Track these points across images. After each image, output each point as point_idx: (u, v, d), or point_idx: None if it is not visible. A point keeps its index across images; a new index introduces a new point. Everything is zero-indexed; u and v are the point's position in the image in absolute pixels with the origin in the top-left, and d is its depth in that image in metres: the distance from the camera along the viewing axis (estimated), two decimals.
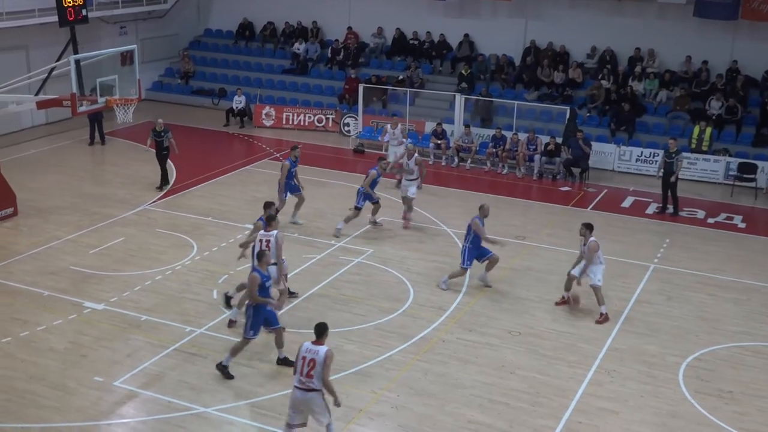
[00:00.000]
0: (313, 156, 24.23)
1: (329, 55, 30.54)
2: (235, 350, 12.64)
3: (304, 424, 10.54)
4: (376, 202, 18.61)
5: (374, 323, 14.40)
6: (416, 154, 19.38)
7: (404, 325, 14.37)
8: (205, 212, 19.54)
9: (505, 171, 23.81)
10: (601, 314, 14.82)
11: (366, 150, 25.64)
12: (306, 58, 30.67)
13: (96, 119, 24.95)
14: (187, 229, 18.40)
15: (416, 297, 15.47)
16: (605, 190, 22.58)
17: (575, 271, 15.11)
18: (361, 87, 26.79)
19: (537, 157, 23.37)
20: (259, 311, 12.45)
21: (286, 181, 18.34)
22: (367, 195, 18.32)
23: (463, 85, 27.09)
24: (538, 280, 16.47)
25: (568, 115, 24.17)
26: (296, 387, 10.30)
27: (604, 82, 26.02)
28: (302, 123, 28.03)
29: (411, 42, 29.71)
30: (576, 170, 23.18)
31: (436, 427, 11.55)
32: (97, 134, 25.38)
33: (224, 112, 28.43)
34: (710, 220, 20.41)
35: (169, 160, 21.39)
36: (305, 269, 16.55)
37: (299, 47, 30.79)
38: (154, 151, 21.17)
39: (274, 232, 13.79)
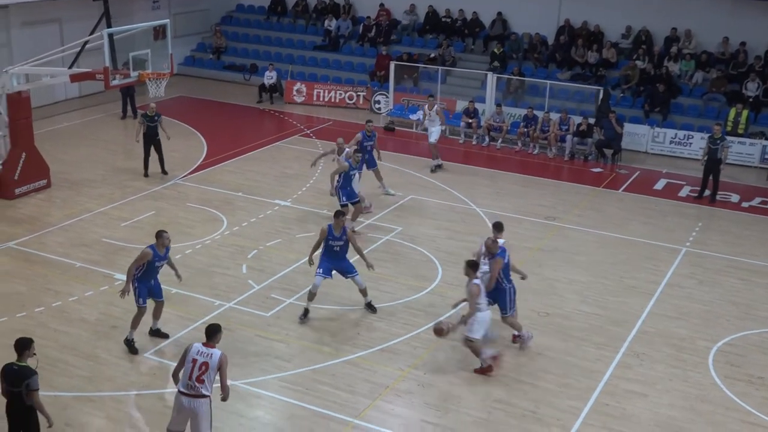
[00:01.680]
0: (343, 133, 24.07)
1: (361, 31, 30.43)
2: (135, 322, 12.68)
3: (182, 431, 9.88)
4: (356, 202, 17.10)
5: (402, 301, 14.41)
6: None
7: (432, 303, 14.37)
8: (235, 187, 19.63)
9: (536, 151, 23.63)
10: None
11: (396, 128, 25.58)
12: (338, 34, 30.57)
13: (128, 93, 25.10)
14: (218, 204, 18.50)
15: (444, 276, 15.44)
16: (638, 172, 22.33)
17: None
18: (392, 64, 26.67)
19: (569, 137, 23.15)
20: (144, 282, 12.51)
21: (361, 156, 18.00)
22: (344, 190, 16.89)
23: (495, 63, 26.87)
24: (566, 261, 16.37)
25: (601, 96, 23.89)
26: (182, 392, 9.50)
27: (638, 63, 25.66)
28: (333, 100, 28.00)
29: (443, 20, 29.48)
30: (608, 151, 22.93)
31: (462, 405, 11.57)
32: (129, 108, 25.51)
33: (257, 88, 28.44)
34: (744, 204, 20.12)
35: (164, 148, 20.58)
36: None
37: (331, 24, 30.69)
38: (143, 139, 20.16)
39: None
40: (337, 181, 16.95)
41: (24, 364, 9.43)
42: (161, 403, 11.35)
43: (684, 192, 20.81)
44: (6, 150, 18.97)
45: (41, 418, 9.62)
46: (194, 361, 9.45)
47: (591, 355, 12.93)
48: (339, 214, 13.67)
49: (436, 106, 22.22)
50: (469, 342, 12.23)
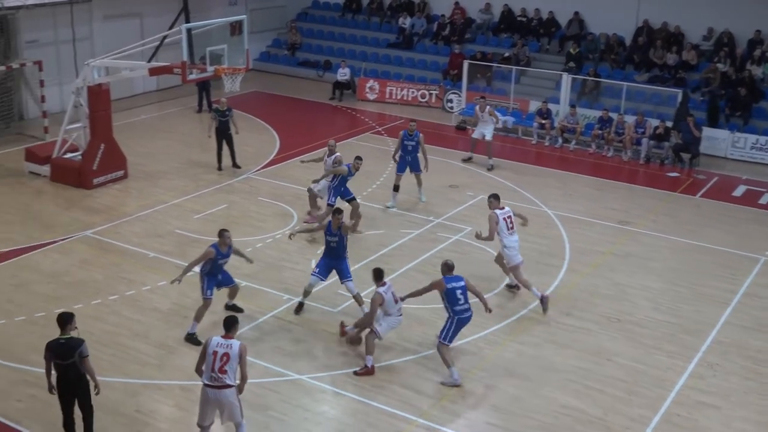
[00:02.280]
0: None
1: (435, 30, 30.37)
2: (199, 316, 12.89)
3: (212, 423, 10.10)
4: (351, 199, 17.05)
5: (470, 302, 14.29)
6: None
7: (500, 304, 14.24)
8: (306, 183, 19.72)
9: (610, 154, 23.21)
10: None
11: (468, 127, 25.46)
12: (412, 32, 30.58)
13: (204, 87, 25.52)
14: (289, 199, 18.68)
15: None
16: (716, 178, 21.75)
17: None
18: (465, 63, 26.55)
19: (645, 140, 22.67)
20: (212, 276, 12.83)
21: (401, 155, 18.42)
22: (336, 190, 16.80)
23: (571, 64, 26.50)
24: (639, 266, 16.05)
25: (680, 98, 23.33)
26: (207, 385, 9.76)
27: (720, 65, 24.97)
28: (405, 98, 28.00)
29: (519, 19, 29.22)
30: (685, 156, 22.38)
31: (527, 409, 11.46)
32: (204, 102, 25.95)
33: (330, 85, 28.65)
34: None
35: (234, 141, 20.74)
36: (402, 244, 16.62)
37: (405, 21, 30.71)
38: (215, 134, 20.39)
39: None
40: (331, 180, 16.88)
41: (69, 336, 9.85)
42: None
43: (764, 199, 20.19)
44: (86, 141, 19.49)
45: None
46: (215, 353, 9.69)
47: (662, 363, 12.68)
48: (337, 212, 13.73)
49: (488, 107, 21.96)
50: (369, 334, 12.20)
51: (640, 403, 11.66)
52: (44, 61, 22.61)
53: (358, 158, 16.99)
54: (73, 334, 9.94)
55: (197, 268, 12.87)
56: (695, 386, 12.12)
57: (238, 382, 9.84)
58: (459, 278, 12.06)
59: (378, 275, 12.20)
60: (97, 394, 10.02)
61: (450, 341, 12.01)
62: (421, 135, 18.58)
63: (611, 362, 12.63)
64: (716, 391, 12.03)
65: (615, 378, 12.20)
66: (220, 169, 20.44)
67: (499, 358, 12.62)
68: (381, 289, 12.06)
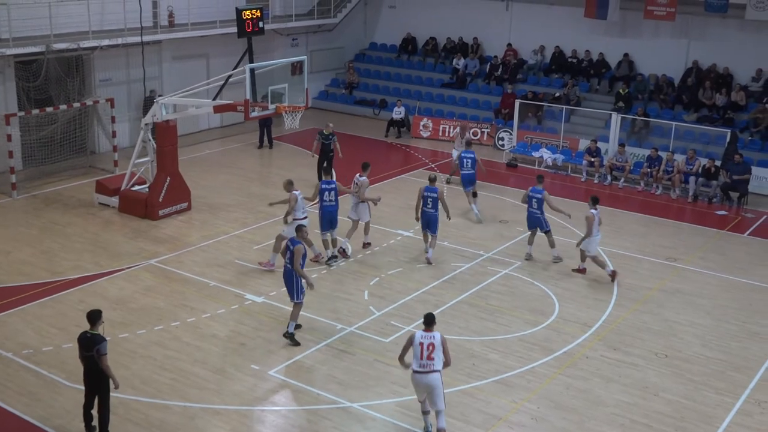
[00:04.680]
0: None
1: (488, 70, 30.91)
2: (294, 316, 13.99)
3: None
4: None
5: (518, 334, 14.58)
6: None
7: (548, 338, 14.49)
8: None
9: (659, 191, 23.33)
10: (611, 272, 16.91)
11: (519, 164, 25.80)
12: (465, 72, 31.15)
13: (266, 124, 26.24)
14: (343, 233, 19.07)
15: (561, 311, 15.55)
16: (765, 216, 21.70)
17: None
18: (517, 102, 26.98)
19: (692, 178, 22.76)
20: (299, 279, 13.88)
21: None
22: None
23: (620, 104, 26.74)
24: (688, 303, 16.15)
25: (728, 138, 23.40)
26: (417, 372, 11.13)
27: None
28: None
29: (570, 60, 29.60)
30: (734, 194, 22.41)
31: None
32: (266, 138, 26.68)
33: (385, 123, 29.31)
34: None
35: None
36: (453, 277, 16.95)
37: (459, 62, 31.32)
38: (317, 155, 22.18)
39: None
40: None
41: (96, 332, 10.79)
42: (284, 421, 11.89)
43: None
44: (153, 174, 20.27)
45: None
46: (421, 344, 11.11)
47: (711, 400, 12.72)
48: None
49: (467, 132, 23.71)
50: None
51: None
52: (116, 99, 23.62)
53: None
54: (100, 329, 10.83)
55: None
56: (743, 423, 12.14)
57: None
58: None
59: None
60: (116, 388, 10.90)
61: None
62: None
63: (658, 397, 12.71)
64: (764, 428, 12.04)
65: (662, 414, 12.28)
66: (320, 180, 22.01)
67: (546, 391, 12.78)
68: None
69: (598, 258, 17.18)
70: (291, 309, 14.06)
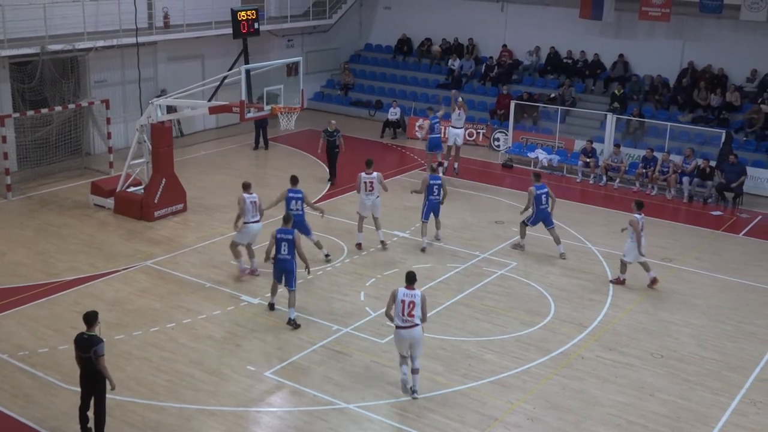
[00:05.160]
0: (462, 169, 24.63)
1: (483, 71, 30.94)
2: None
3: (408, 356, 12.39)
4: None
5: (514, 335, 14.59)
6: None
7: (544, 338, 14.51)
8: (356, 218, 20.22)
9: (654, 192, 23.38)
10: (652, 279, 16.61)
11: (514, 165, 25.83)
12: (460, 73, 31.19)
13: (261, 125, 26.21)
14: (339, 233, 19.14)
15: (557, 312, 15.56)
16: (759, 217, 21.77)
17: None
18: (512, 103, 27.02)
19: (687, 179, 22.82)
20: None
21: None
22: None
23: (615, 104, 26.80)
24: (683, 303, 16.18)
25: (723, 139, 23.47)
26: (400, 327, 12.16)
27: (763, 107, 25.02)
28: None
29: (565, 61, 29.65)
30: (729, 195, 22.48)
31: None
32: (261, 139, 26.67)
33: (381, 124, 29.32)
34: None
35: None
36: (449, 278, 16.96)
37: (454, 63, 31.35)
38: (324, 151, 22.86)
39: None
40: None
41: (93, 333, 10.83)
42: (280, 422, 11.88)
43: None
44: (148, 176, 20.27)
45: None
46: (403, 302, 12.08)
47: (706, 400, 12.75)
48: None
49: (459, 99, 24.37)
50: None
51: None
52: (111, 100, 23.63)
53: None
54: (96, 332, 10.87)
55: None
56: (738, 423, 12.16)
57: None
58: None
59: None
60: (112, 389, 10.92)
61: None
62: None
63: (654, 398, 12.73)
64: (760, 428, 12.07)
65: (658, 414, 12.30)
66: (331, 180, 23.07)
67: (542, 391, 12.80)
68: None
69: (627, 263, 16.77)
70: (289, 315, 14.18)
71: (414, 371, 12.35)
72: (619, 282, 16.83)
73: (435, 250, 18.26)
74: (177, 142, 22.03)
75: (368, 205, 18.06)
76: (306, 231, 16.91)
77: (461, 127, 24.17)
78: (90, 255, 17.65)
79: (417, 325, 12.10)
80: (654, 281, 16.73)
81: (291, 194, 16.87)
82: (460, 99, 24.60)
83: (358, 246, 18.25)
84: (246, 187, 16.45)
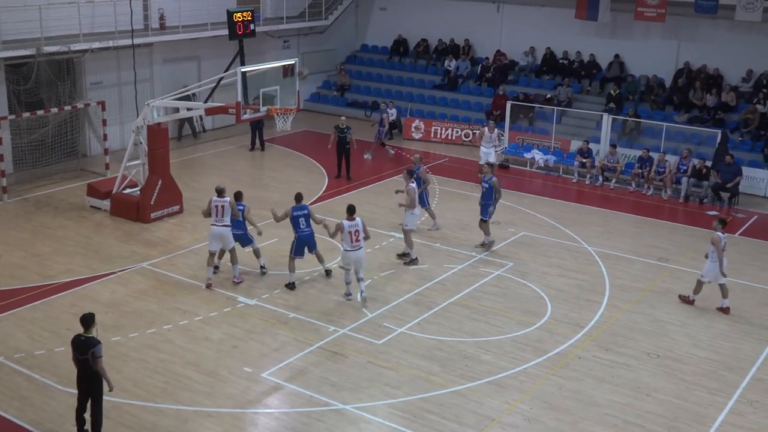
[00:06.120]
0: (459, 169, 24.66)
1: (479, 72, 30.98)
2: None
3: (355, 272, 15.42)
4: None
5: (511, 335, 14.61)
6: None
7: (541, 339, 14.52)
8: None
9: (650, 192, 23.42)
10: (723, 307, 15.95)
11: (511, 165, 25.85)
12: (456, 74, 31.22)
13: (257, 126, 26.24)
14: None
15: (554, 312, 15.58)
16: (755, 216, 21.82)
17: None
18: (508, 104, 27.05)
19: (684, 179, 22.86)
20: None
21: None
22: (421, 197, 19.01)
23: (611, 105, 26.85)
24: (679, 303, 16.20)
25: (719, 139, 23.52)
26: (349, 250, 15.29)
27: (759, 107, 25.10)
28: (449, 137, 28.57)
29: (561, 61, 29.70)
30: (725, 195, 22.52)
31: None
32: (257, 140, 26.69)
33: (377, 126, 29.22)
34: None
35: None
36: (446, 278, 16.97)
37: (450, 64, 31.38)
38: (334, 146, 23.47)
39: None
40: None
41: (90, 335, 10.84)
42: (277, 423, 11.88)
43: None
44: (144, 177, 20.24)
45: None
46: (350, 232, 15.21)
47: (703, 399, 12.77)
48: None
49: (495, 129, 24.58)
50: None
51: None
52: (107, 102, 23.62)
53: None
54: (93, 333, 10.89)
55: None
56: (735, 423, 12.18)
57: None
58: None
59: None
60: (110, 390, 10.95)
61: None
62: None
63: (651, 397, 12.76)
64: (756, 428, 12.10)
65: (654, 413, 12.32)
66: (338, 176, 23.69)
67: (539, 392, 12.82)
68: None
69: (704, 283, 16.01)
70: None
71: (359, 280, 15.42)
72: (687, 301, 16.13)
73: (431, 251, 18.27)
74: (173, 143, 21.96)
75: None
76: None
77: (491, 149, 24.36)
78: (86, 257, 17.64)
79: (362, 247, 15.30)
80: (725, 310, 15.81)
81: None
82: (491, 123, 25.22)
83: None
84: (220, 192, 16.32)
